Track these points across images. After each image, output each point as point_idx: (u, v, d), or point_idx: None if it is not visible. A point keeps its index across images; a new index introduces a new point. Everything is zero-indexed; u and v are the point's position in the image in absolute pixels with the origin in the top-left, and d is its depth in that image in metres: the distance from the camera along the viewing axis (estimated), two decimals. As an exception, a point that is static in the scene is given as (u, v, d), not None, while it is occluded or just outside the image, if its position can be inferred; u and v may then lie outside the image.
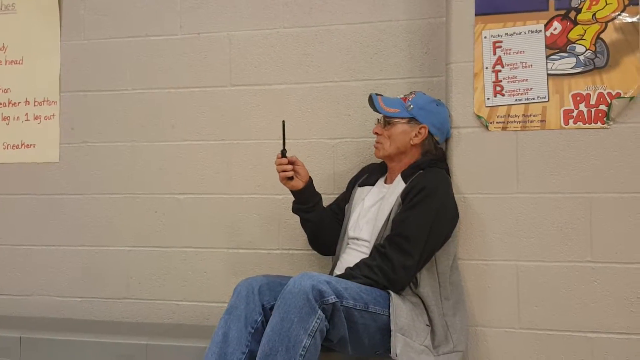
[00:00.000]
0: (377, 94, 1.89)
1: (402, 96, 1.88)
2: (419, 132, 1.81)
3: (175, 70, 2.28)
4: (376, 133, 1.87)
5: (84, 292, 2.34)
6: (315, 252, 2.09)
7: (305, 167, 1.88)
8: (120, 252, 2.31)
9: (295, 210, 1.95)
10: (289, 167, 1.84)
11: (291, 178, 1.85)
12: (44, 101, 2.39)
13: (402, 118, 1.82)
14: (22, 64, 2.41)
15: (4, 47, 2.42)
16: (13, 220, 2.40)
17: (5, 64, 2.42)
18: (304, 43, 2.18)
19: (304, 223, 1.96)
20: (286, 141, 1.85)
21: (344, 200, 1.99)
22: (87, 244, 2.34)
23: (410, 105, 1.82)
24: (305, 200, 1.91)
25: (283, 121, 1.86)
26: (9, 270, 2.40)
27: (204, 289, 2.25)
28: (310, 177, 1.90)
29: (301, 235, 2.05)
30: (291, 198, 1.93)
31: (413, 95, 1.85)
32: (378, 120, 1.91)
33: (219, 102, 2.25)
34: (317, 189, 1.93)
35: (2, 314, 2.37)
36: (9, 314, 2.38)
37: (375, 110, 1.85)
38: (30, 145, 2.40)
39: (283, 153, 1.85)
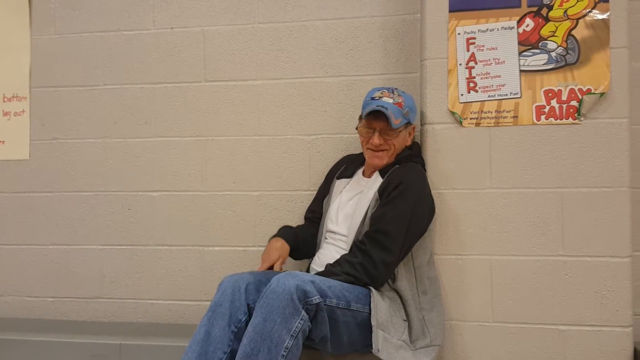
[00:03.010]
0: (386, 108, 1.73)
1: (394, 100, 1.78)
2: (410, 133, 1.84)
3: (149, 66, 2.24)
4: (378, 144, 1.78)
5: (56, 291, 2.30)
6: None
7: (280, 257, 1.83)
8: (93, 251, 2.28)
9: None
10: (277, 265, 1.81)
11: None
12: (13, 97, 2.33)
13: (403, 125, 1.79)
14: (-10, 59, 2.36)
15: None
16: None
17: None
18: (279, 39, 2.17)
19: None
20: None
21: (323, 194, 1.98)
22: (59, 242, 2.30)
23: (407, 111, 1.80)
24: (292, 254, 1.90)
25: None
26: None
27: (178, 288, 2.22)
28: (288, 245, 1.86)
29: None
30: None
31: (402, 99, 1.80)
32: (370, 128, 1.79)
33: (193, 97, 2.22)
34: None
35: None
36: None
37: (380, 120, 1.76)
38: (1, 142, 2.34)
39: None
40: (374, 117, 1.77)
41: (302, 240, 1.92)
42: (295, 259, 1.94)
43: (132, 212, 2.25)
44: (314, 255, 1.90)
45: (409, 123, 1.82)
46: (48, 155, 2.30)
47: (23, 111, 2.32)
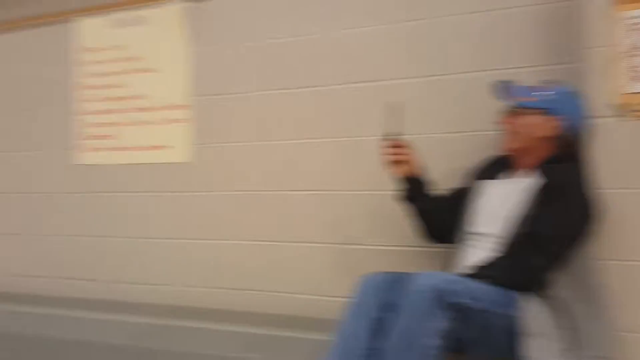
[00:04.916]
0: (506, 82, 1.79)
1: (535, 85, 1.77)
2: (553, 125, 1.70)
3: (296, 71, 2.34)
4: (505, 124, 1.78)
5: (211, 282, 2.46)
6: (431, 249, 2.05)
7: (416, 153, 1.84)
8: (241, 246, 2.42)
9: (404, 199, 1.90)
10: (402, 150, 1.81)
11: (401, 163, 1.82)
12: (176, 106, 2.55)
13: (535, 109, 1.72)
14: (155, 72, 2.60)
15: (138, 57, 2.62)
16: (152, 215, 2.59)
17: (141, 73, 2.62)
18: (424, 35, 2.14)
19: (414, 213, 1.92)
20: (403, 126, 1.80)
21: (464, 192, 1.91)
22: (215, 238, 2.47)
23: (545, 95, 1.71)
24: (417, 189, 1.87)
25: (398, 104, 1.80)
26: (143, 260, 2.60)
27: (319, 283, 2.28)
28: (421, 165, 1.85)
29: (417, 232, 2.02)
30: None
31: (548, 85, 1.75)
32: (507, 111, 1.80)
33: (335, 100, 2.28)
34: (442, 185, 1.88)
35: (145, 302, 2.55)
36: (148, 301, 2.55)
37: (505, 99, 1.77)
38: (166, 146, 2.57)
39: (395, 137, 1.80)
40: (499, 96, 1.78)
41: (434, 196, 1.88)
42: (409, 197, 1.88)
43: (280, 211, 2.36)
44: (432, 221, 1.89)
45: (548, 111, 1.70)
46: (208, 158, 2.48)
47: (185, 118, 2.53)
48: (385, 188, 2.09)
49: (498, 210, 1.74)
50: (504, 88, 1.77)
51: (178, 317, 2.28)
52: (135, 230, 2.61)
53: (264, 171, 2.40)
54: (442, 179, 2.04)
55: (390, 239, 2.18)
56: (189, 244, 2.52)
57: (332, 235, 2.28)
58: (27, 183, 2.82)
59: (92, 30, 2.70)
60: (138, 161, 2.61)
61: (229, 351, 2.09)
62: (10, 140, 2.88)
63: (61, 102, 2.75)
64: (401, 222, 2.02)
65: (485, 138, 2.03)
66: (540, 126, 1.72)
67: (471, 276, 1.61)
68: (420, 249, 2.10)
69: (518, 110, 1.75)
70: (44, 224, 2.78)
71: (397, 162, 1.84)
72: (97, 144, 2.69)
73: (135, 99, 2.62)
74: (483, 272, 1.61)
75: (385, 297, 1.66)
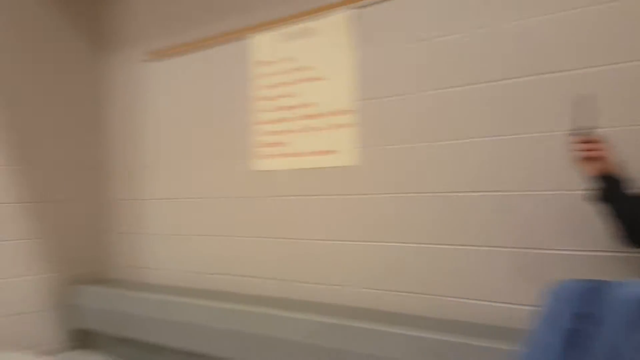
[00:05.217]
0: None
1: None
2: None
3: (463, 68, 2.27)
4: None
5: (381, 284, 2.49)
6: (631, 255, 1.86)
7: (611, 149, 1.67)
8: (410, 249, 2.40)
9: (599, 199, 1.73)
10: (595, 145, 1.66)
11: (594, 159, 1.66)
12: (342, 111, 2.62)
13: None
14: (322, 79, 2.69)
15: (307, 67, 2.74)
16: (324, 217, 2.69)
17: (309, 82, 2.74)
18: (616, 18, 1.94)
19: (611, 214, 1.74)
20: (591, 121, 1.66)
21: None
22: (383, 240, 2.49)
23: None
24: (613, 188, 1.69)
25: (589, 95, 1.65)
26: (319, 262, 2.70)
27: (498, 289, 2.18)
28: (618, 161, 1.68)
29: (613, 236, 1.83)
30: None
31: None
32: None
33: (510, 95, 2.16)
34: (637, 185, 1.69)
35: (316, 300, 2.67)
36: (320, 300, 2.68)
37: None
38: (333, 151, 2.66)
39: (586, 131, 1.65)
40: None
41: (633, 194, 1.67)
42: (604, 197, 1.70)
43: (451, 212, 2.31)
44: (633, 223, 1.66)
45: None
46: (375, 161, 2.52)
47: (351, 123, 2.60)
48: (575, 188, 1.93)
49: None
50: None
51: (352, 318, 2.32)
52: (305, 232, 2.74)
53: (432, 172, 2.36)
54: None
55: (582, 244, 2.01)
56: (358, 246, 2.57)
57: (513, 239, 2.17)
58: (214, 188, 3.10)
59: (265, 44, 2.89)
60: (308, 166, 2.73)
61: (406, 356, 2.08)
62: (199, 149, 3.18)
63: (241, 113, 2.98)
64: (594, 224, 1.85)
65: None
66: None
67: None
68: (617, 254, 1.91)
69: None
70: (228, 226, 3.03)
71: (589, 159, 1.69)
72: (271, 151, 2.87)
73: (304, 107, 2.75)
74: None
75: (581, 307, 1.54)
